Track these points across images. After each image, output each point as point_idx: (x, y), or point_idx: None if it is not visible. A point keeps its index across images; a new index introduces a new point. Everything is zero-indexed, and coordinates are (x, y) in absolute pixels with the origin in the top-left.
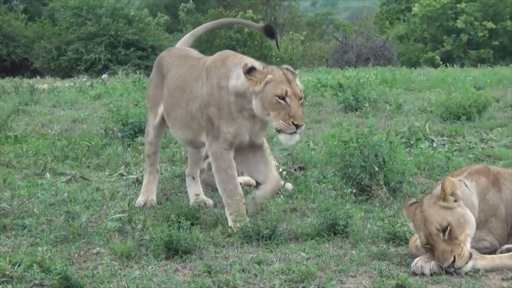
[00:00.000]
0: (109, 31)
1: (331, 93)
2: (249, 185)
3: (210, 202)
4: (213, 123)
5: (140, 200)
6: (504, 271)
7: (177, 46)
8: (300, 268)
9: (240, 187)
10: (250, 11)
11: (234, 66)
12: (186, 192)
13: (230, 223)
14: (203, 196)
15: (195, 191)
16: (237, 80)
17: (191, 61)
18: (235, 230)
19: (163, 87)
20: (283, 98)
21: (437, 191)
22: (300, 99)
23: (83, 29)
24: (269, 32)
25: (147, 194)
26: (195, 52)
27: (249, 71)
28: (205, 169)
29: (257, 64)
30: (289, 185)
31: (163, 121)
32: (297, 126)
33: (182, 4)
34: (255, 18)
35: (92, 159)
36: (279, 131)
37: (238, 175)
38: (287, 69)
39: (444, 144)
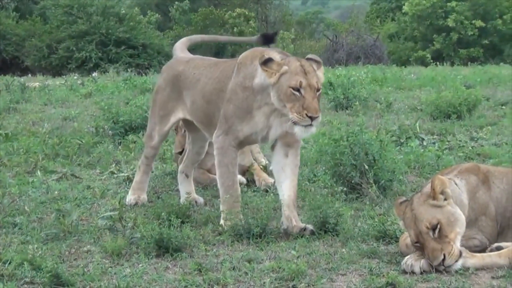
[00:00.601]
0: (100, 29)
1: (322, 91)
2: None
3: (201, 200)
4: (227, 119)
5: (131, 198)
6: (494, 270)
7: (182, 55)
8: (291, 266)
9: (238, 185)
10: (238, 10)
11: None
12: (177, 190)
13: (221, 221)
14: (194, 195)
15: (186, 189)
16: (261, 77)
17: (223, 64)
18: (225, 228)
19: (179, 98)
20: (298, 90)
21: (427, 190)
22: (318, 90)
23: (74, 27)
24: (267, 38)
25: (139, 192)
26: (222, 59)
27: (266, 62)
28: (195, 167)
29: (277, 55)
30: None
31: (170, 128)
32: (311, 118)
33: (176, 3)
34: (247, 13)
35: (83, 157)
36: (294, 123)
37: None
38: (311, 59)
39: (434, 143)
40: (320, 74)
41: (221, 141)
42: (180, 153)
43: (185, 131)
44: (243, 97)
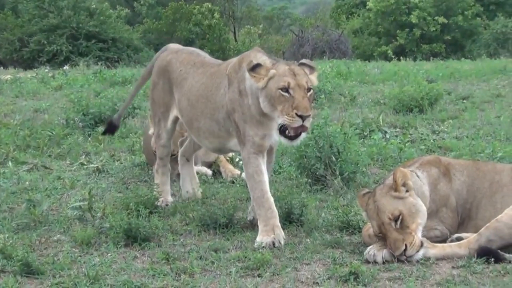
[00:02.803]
0: (71, 23)
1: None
2: (205, 175)
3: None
4: (239, 129)
5: (160, 201)
6: (454, 260)
7: (176, 47)
8: (256, 255)
9: (269, 193)
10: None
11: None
12: (145, 181)
13: (258, 238)
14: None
15: (188, 173)
16: (250, 81)
17: (211, 69)
18: (262, 245)
19: (171, 91)
20: (287, 90)
21: (390, 182)
22: (309, 90)
23: (45, 21)
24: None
25: (164, 195)
26: (208, 57)
27: (254, 68)
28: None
29: (266, 60)
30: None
31: (174, 123)
32: (302, 118)
33: None
34: (210, 7)
35: (53, 149)
36: (281, 126)
37: (195, 164)
38: (304, 63)
39: (396, 136)
40: (313, 78)
41: (243, 153)
42: None
43: None
44: (242, 100)
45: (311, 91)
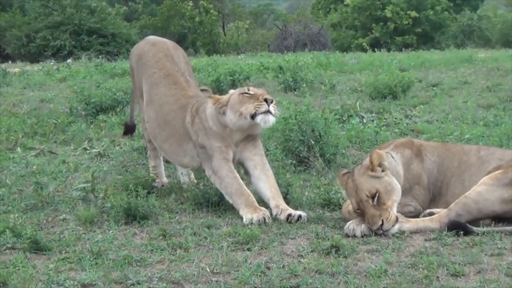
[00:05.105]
0: (74, 20)
1: (273, 75)
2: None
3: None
4: (206, 147)
5: (157, 182)
6: (427, 233)
7: (154, 40)
8: (246, 231)
9: (244, 185)
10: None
11: (205, 101)
12: (143, 164)
13: (247, 216)
14: (191, 176)
15: (186, 170)
16: (209, 110)
17: (182, 99)
18: (253, 220)
19: (141, 78)
20: (246, 92)
21: (367, 162)
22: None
23: (50, 18)
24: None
25: (160, 176)
26: (181, 70)
27: (214, 99)
28: None
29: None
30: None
31: None
32: (267, 101)
33: None
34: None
35: (58, 135)
36: (253, 116)
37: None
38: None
39: (373, 120)
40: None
41: (212, 164)
42: None
43: None
44: (204, 125)
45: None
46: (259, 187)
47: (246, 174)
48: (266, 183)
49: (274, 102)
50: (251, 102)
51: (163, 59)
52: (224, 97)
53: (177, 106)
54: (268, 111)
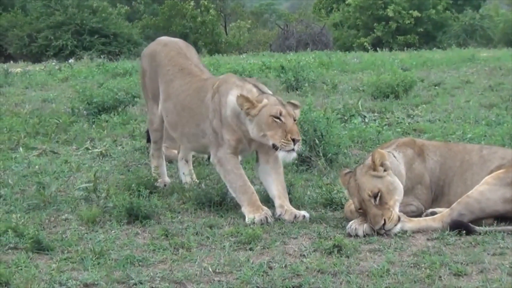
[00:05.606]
0: (75, 20)
1: (275, 74)
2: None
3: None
4: (217, 133)
5: (159, 182)
6: (429, 232)
7: (165, 40)
8: (248, 231)
9: (249, 182)
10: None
11: (235, 85)
12: (145, 164)
13: (250, 215)
14: (193, 176)
15: (189, 172)
16: (233, 98)
17: (198, 82)
18: (254, 220)
19: (157, 80)
20: (278, 118)
21: (369, 162)
22: (295, 120)
23: (52, 18)
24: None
25: (162, 176)
26: (194, 60)
27: (243, 101)
28: (168, 147)
29: (253, 89)
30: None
31: None
32: (294, 141)
33: None
34: (206, 4)
35: (60, 135)
36: (277, 149)
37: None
38: (290, 102)
39: (375, 120)
40: (297, 113)
41: (219, 154)
42: None
43: None
44: (222, 110)
45: (296, 121)
46: (267, 182)
47: (256, 162)
48: (275, 180)
49: (300, 141)
50: (278, 133)
51: (176, 57)
52: (256, 106)
53: (193, 89)
54: (292, 150)
